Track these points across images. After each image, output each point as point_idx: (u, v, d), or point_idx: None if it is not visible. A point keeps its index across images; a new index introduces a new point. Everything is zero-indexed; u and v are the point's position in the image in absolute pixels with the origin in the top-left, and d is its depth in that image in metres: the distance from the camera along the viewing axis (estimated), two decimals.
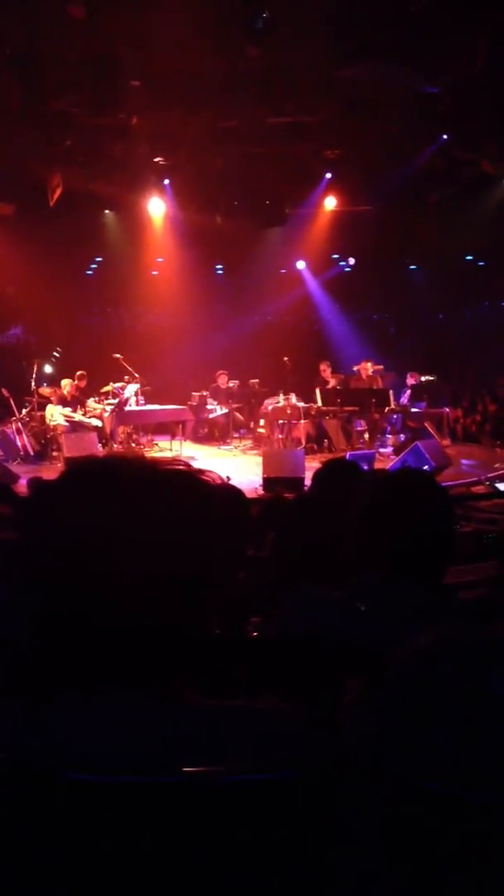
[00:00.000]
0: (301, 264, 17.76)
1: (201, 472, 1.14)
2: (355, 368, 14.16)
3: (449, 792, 1.02)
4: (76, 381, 12.73)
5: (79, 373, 12.92)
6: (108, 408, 12.47)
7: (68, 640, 1.02)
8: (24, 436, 12.19)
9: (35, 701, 1.03)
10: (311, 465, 9.98)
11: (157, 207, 13.49)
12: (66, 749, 0.98)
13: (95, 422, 12.35)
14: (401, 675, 1.09)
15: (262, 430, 13.54)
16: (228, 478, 6.10)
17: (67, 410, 12.30)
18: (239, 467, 11.02)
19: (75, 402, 12.54)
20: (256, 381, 14.71)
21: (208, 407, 14.17)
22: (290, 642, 1.84)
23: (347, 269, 18.13)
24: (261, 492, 9.08)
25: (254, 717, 1.04)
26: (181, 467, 1.12)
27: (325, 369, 14.05)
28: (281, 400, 13.20)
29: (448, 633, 1.11)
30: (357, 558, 1.85)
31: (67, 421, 12.12)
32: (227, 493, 3.00)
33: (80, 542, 1.02)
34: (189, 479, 1.10)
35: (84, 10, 7.97)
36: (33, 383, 12.96)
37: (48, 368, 14.54)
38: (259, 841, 0.97)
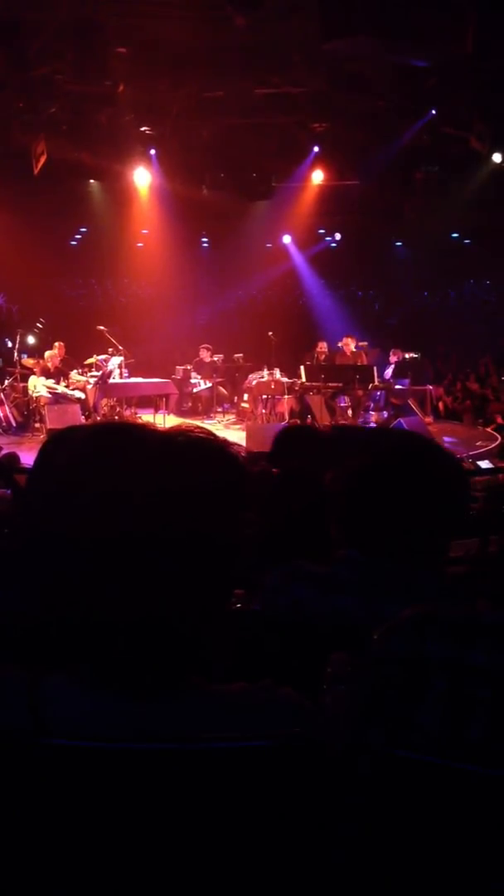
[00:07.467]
0: (287, 238, 17.66)
1: (228, 442, 1.08)
2: (340, 344, 14.17)
3: (434, 763, 1.05)
4: (56, 352, 12.66)
5: (57, 343, 12.83)
6: (92, 380, 12.41)
7: (69, 612, 0.98)
8: (7, 407, 12.13)
9: (28, 671, 1.02)
10: None
11: (142, 178, 13.31)
12: (54, 720, 0.98)
13: (79, 394, 12.28)
14: (387, 651, 1.11)
15: (245, 405, 13.54)
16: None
17: (50, 382, 12.22)
18: None
19: (58, 373, 12.46)
20: (240, 355, 14.67)
21: (192, 381, 14.14)
22: (273, 615, 1.85)
23: (333, 245, 18.05)
24: None
25: (250, 698, 1.04)
26: (206, 435, 1.06)
27: (322, 348, 14.08)
28: (265, 375, 13.19)
29: (433, 609, 1.14)
30: (344, 534, 1.85)
31: (50, 393, 12.05)
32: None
33: (92, 506, 0.97)
34: (221, 448, 1.05)
35: None
36: (16, 354, 12.84)
37: (31, 339, 14.40)
38: (246, 810, 0.99)
